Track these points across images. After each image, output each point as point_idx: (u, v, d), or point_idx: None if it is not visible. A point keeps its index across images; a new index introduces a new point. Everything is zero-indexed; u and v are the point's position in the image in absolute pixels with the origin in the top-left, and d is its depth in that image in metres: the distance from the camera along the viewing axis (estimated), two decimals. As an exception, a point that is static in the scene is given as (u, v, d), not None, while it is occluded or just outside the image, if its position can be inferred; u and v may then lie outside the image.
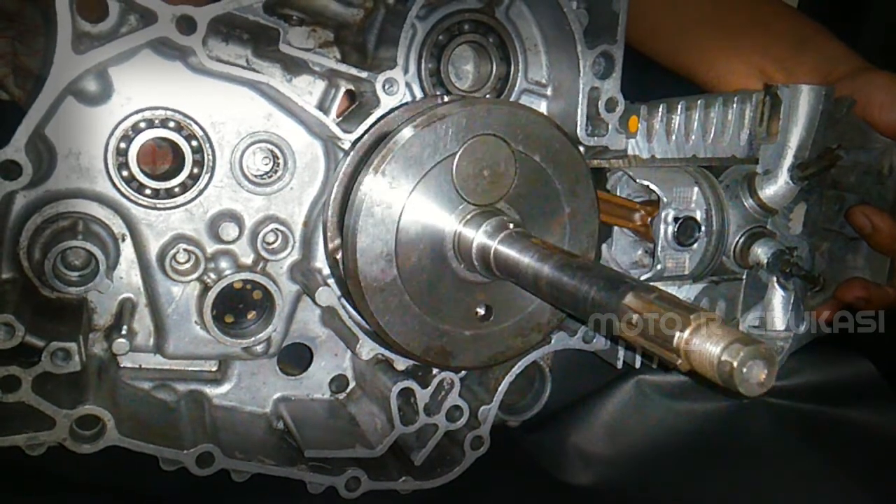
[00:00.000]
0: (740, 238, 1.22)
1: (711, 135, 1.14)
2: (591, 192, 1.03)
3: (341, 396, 1.16)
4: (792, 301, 1.24)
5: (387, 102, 0.97)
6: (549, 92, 1.10)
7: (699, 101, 1.13)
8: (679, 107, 1.12)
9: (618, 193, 1.18)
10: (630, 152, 1.10)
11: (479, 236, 0.93)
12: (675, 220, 1.16)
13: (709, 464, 1.23)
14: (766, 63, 1.45)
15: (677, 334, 0.66)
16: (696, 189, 1.17)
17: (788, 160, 1.21)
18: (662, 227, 1.15)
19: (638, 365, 1.21)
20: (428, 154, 0.93)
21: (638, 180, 1.14)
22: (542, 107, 1.11)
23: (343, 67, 0.96)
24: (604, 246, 1.18)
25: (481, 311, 0.98)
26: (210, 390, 1.10)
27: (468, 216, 0.95)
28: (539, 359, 1.19)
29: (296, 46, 1.00)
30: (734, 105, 1.15)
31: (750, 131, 1.17)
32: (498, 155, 0.95)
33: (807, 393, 1.28)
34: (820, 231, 1.35)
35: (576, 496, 1.20)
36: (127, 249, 1.02)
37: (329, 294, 1.00)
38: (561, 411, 1.30)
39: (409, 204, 0.93)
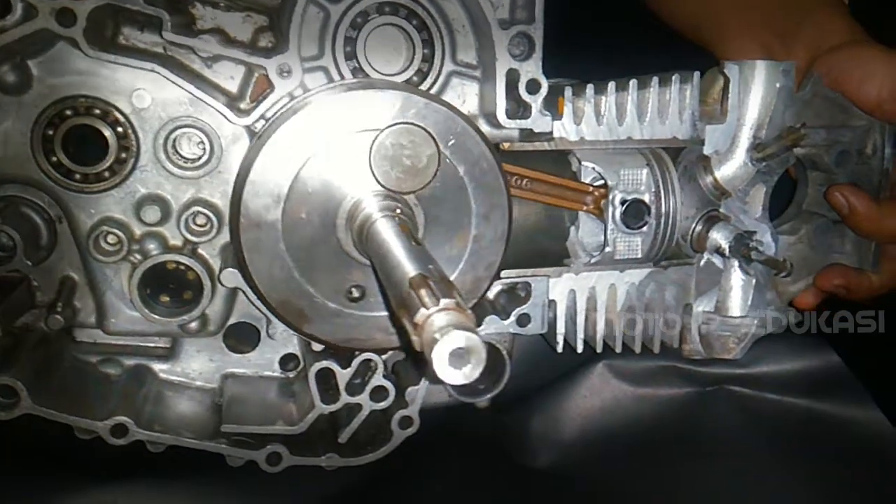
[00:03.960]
0: (696, 222, 1.16)
1: (648, 116, 1.10)
2: (505, 225, 1.01)
3: (292, 375, 1.19)
4: (753, 287, 1.18)
5: (282, 86, 0.98)
6: (479, 74, 1.08)
7: (632, 82, 1.08)
8: (609, 87, 1.08)
9: (582, 178, 1.15)
10: (557, 135, 1.07)
11: (368, 208, 0.93)
12: (623, 202, 1.12)
13: (669, 450, 1.22)
14: (770, 38, 1.37)
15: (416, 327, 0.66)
16: (646, 171, 1.12)
17: (745, 140, 1.15)
18: (610, 209, 1.12)
19: (600, 349, 1.19)
20: (317, 137, 0.95)
21: (583, 162, 1.11)
22: (474, 89, 1.09)
23: (230, 52, 0.98)
24: (571, 228, 1.16)
25: (355, 293, 0.98)
26: (157, 365, 1.15)
27: (372, 194, 0.96)
28: (498, 342, 1.19)
29: (229, 33, 1.04)
30: (672, 85, 1.09)
31: (692, 111, 1.11)
32: (422, 149, 0.93)
33: (770, 382, 1.23)
34: (802, 214, 1.28)
35: (534, 479, 1.20)
36: (65, 231, 1.08)
37: (234, 276, 1.02)
38: (528, 395, 1.30)
39: (308, 165, 0.95)
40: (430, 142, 0.90)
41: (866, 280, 1.24)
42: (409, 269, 0.74)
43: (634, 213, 1.12)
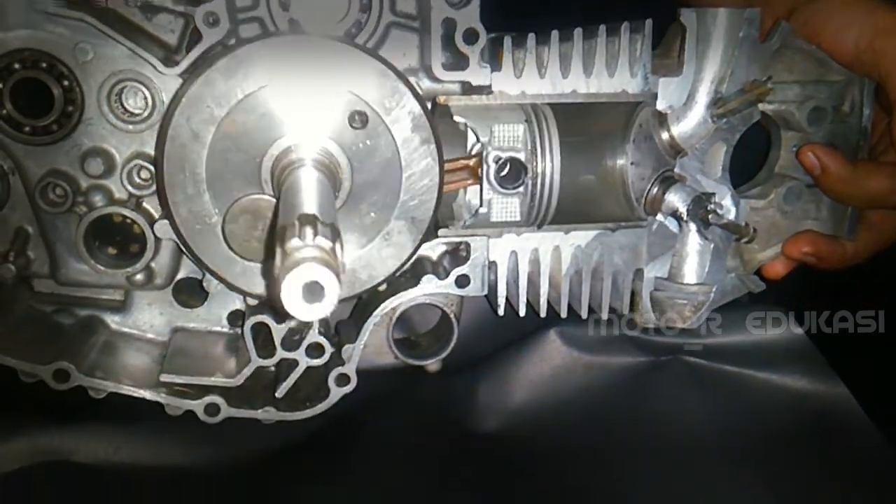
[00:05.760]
0: (652, 183, 1.11)
1: (595, 68, 1.05)
2: (435, 186, 1.00)
3: (240, 330, 1.19)
4: (711, 253, 1.13)
5: (210, 35, 0.98)
6: (418, 24, 1.06)
7: (577, 31, 1.04)
8: (552, 37, 1.03)
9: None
10: (497, 88, 1.04)
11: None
12: (497, 160, 1.05)
13: (619, 420, 1.19)
14: None
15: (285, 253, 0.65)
16: (522, 127, 1.04)
17: (704, 95, 1.09)
18: (484, 167, 1.05)
19: (543, 313, 1.15)
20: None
21: (454, 116, 1.05)
22: (415, 41, 1.07)
23: (157, 1, 0.99)
24: (460, 190, 1.11)
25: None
26: (110, 317, 1.18)
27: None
28: (443, 305, 1.17)
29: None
30: (622, 35, 1.04)
31: (644, 63, 1.06)
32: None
33: (729, 353, 1.17)
34: (774, 177, 1.21)
35: (481, 443, 1.19)
36: (18, 183, 1.11)
37: (165, 227, 1.03)
38: (478, 360, 1.28)
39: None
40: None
41: (839, 248, 1.16)
42: (308, 209, 0.74)
43: (510, 173, 1.05)
